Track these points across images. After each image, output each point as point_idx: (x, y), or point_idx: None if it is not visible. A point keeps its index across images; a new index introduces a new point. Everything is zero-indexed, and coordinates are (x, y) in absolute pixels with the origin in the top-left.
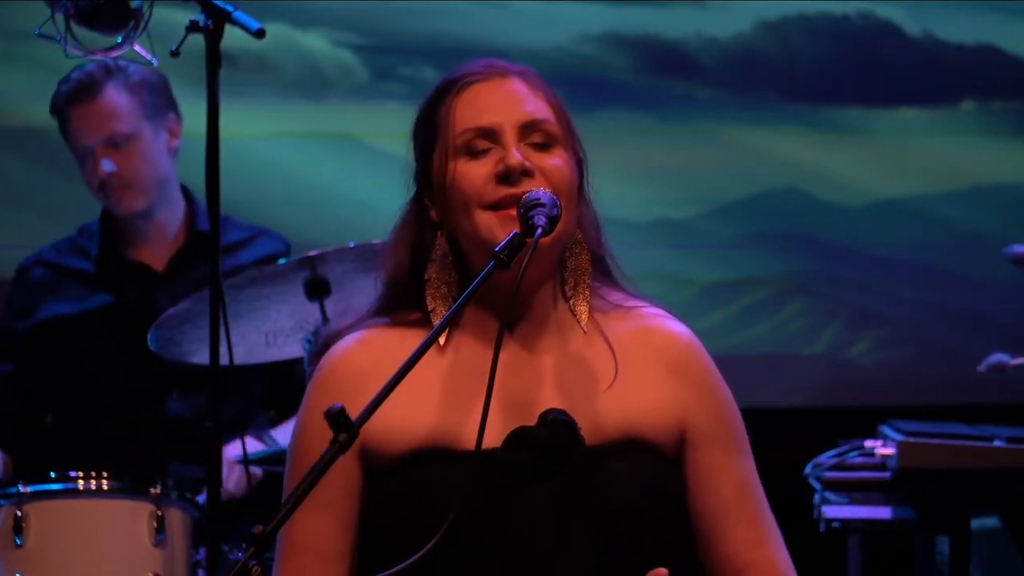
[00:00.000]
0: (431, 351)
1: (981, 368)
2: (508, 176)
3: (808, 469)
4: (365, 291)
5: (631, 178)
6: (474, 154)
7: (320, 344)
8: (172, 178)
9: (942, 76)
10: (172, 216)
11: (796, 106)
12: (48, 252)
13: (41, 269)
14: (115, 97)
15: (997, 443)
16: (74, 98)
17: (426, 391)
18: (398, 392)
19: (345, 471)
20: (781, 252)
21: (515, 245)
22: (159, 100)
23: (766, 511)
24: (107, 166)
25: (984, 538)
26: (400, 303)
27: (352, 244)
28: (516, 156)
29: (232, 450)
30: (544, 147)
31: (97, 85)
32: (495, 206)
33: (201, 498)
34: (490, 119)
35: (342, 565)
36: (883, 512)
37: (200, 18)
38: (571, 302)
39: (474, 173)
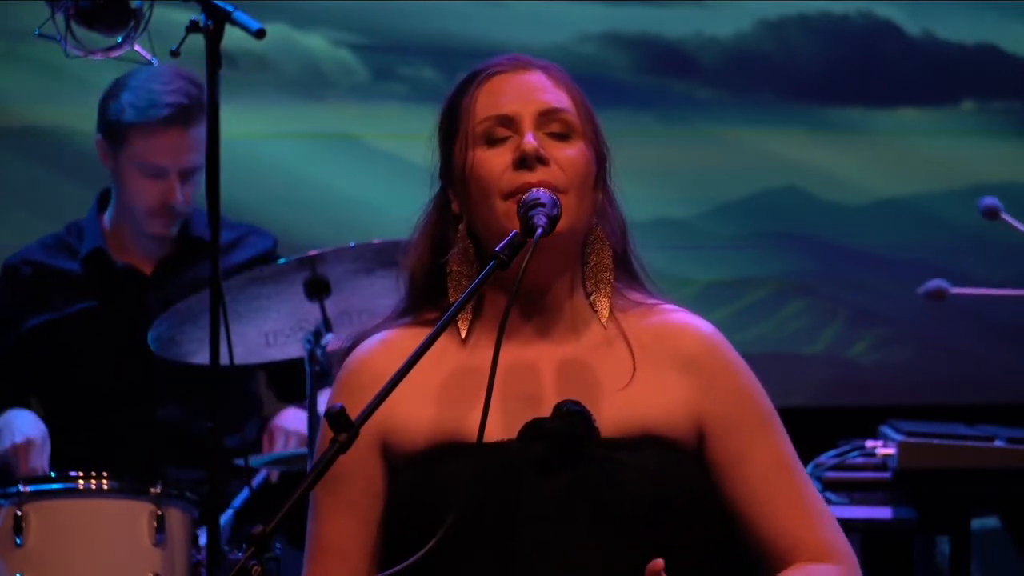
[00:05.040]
0: (453, 347)
1: (920, 291)
2: (524, 161)
3: (809, 469)
4: (365, 291)
5: (631, 178)
6: (492, 142)
7: (348, 344)
8: None
9: (942, 76)
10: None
11: (796, 106)
12: (35, 251)
13: (28, 268)
14: (200, 129)
15: (997, 443)
16: (173, 121)
17: (445, 387)
18: (418, 387)
19: (367, 469)
20: (781, 252)
21: (515, 245)
22: None
23: (807, 487)
24: (182, 197)
25: (984, 538)
26: (423, 300)
27: (352, 244)
28: (531, 142)
29: (289, 420)
30: (561, 137)
31: (194, 115)
32: (513, 194)
33: (239, 500)
34: (509, 107)
35: (367, 564)
36: (883, 512)
37: (200, 18)
38: (591, 298)
39: (492, 162)
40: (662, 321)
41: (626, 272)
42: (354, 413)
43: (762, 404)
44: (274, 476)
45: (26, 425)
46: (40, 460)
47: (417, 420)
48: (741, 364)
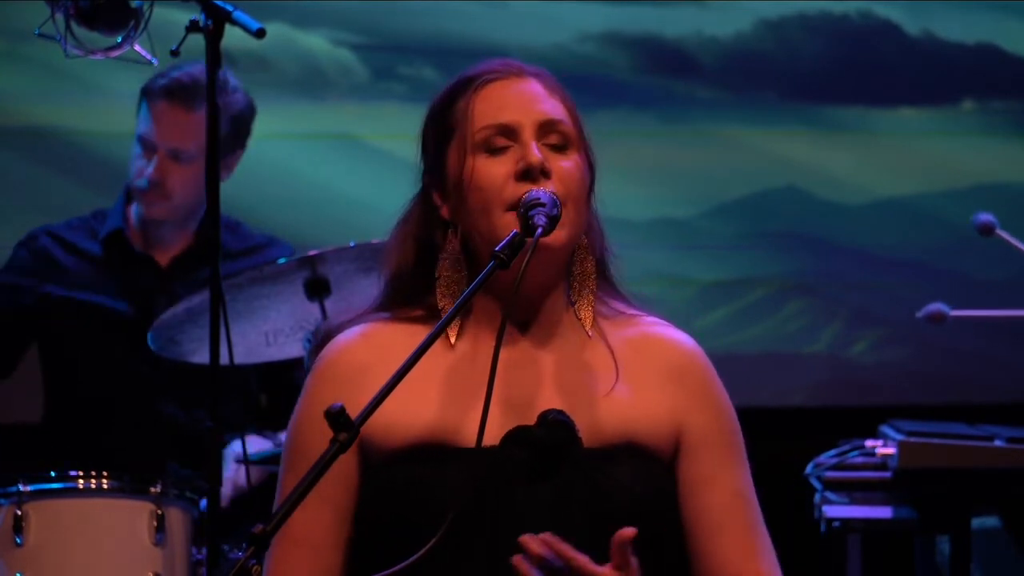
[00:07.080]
0: (439, 347)
1: (919, 315)
2: (528, 173)
3: (808, 469)
4: (365, 291)
5: (631, 178)
6: (493, 151)
7: (320, 337)
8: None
9: (942, 76)
10: (191, 222)
11: (796, 106)
12: (59, 227)
13: (48, 239)
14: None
15: (997, 443)
16: (171, 95)
17: (430, 387)
18: (402, 386)
19: (343, 464)
20: (781, 252)
21: (515, 245)
22: (239, 133)
23: (759, 524)
24: (153, 176)
25: (984, 538)
26: (403, 299)
27: (352, 244)
28: (537, 154)
29: (233, 450)
30: (560, 148)
31: (192, 97)
32: (516, 206)
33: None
34: (510, 116)
35: (335, 557)
36: (883, 512)
37: (200, 18)
38: (575, 306)
39: (494, 172)
40: (645, 333)
41: (606, 281)
42: (331, 403)
43: (734, 428)
44: (225, 501)
45: None
46: None
47: (399, 419)
48: (720, 384)
